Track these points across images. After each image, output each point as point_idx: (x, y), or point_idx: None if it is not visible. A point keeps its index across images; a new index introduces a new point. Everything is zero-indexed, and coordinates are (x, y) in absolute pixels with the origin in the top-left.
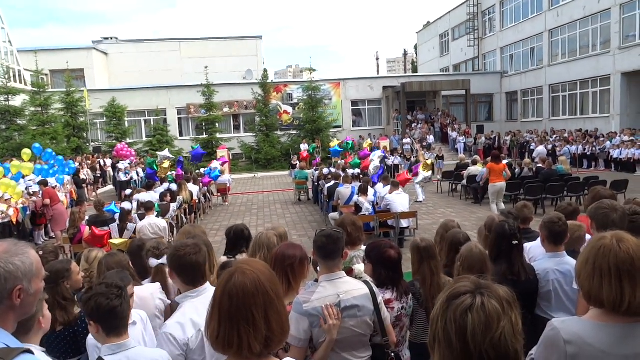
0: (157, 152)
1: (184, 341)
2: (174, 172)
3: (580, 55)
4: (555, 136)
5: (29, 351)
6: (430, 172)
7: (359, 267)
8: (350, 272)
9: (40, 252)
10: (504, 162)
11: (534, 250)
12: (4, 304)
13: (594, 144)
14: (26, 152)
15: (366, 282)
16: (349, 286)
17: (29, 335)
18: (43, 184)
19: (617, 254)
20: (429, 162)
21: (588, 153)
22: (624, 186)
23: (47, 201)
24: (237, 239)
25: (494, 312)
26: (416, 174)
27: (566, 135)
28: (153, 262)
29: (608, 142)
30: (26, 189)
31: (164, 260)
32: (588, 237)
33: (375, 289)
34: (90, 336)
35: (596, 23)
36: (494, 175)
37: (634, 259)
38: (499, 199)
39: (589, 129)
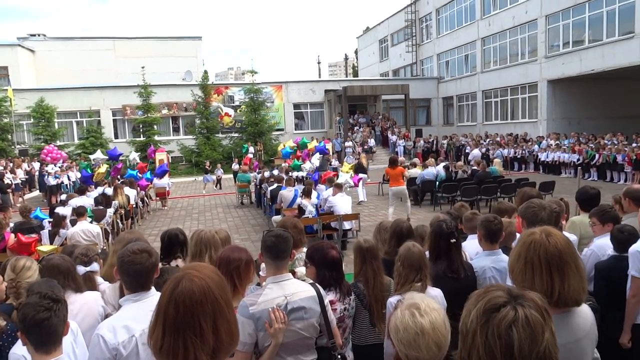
0: (90, 156)
1: (113, 345)
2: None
3: (510, 62)
4: (488, 140)
5: None
6: (350, 175)
7: (302, 270)
8: (292, 274)
9: None
10: (442, 164)
11: (467, 248)
12: None
13: (524, 147)
14: None
15: (312, 284)
16: (296, 288)
17: None
18: None
19: (546, 248)
20: (349, 166)
21: (518, 156)
22: (551, 187)
23: None
24: (172, 243)
25: (538, 324)
26: (358, 180)
27: (498, 139)
28: (81, 269)
29: (536, 146)
30: None
31: (92, 267)
32: (519, 235)
33: (322, 291)
34: (13, 349)
35: (524, 32)
36: (392, 179)
37: (561, 252)
38: (403, 201)
39: (519, 133)
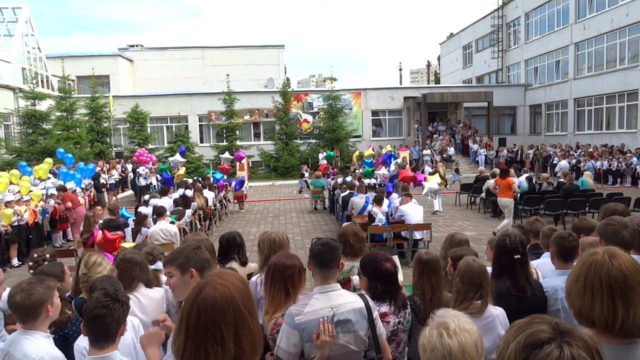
0: (169, 158)
1: None
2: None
3: (607, 69)
4: (579, 151)
5: None
6: (440, 187)
7: (357, 279)
8: (348, 282)
9: (36, 255)
10: (525, 175)
11: (542, 267)
12: None
13: (620, 159)
14: (48, 161)
15: (361, 296)
16: (343, 299)
17: (36, 322)
18: (61, 189)
19: (609, 270)
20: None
21: (613, 169)
22: None
23: (69, 204)
24: (229, 245)
25: None
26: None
27: (591, 149)
28: None
29: (635, 158)
30: (46, 191)
31: (157, 265)
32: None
33: (370, 302)
34: (78, 341)
35: (624, 37)
36: (500, 190)
37: (626, 275)
38: (506, 216)
39: (615, 144)
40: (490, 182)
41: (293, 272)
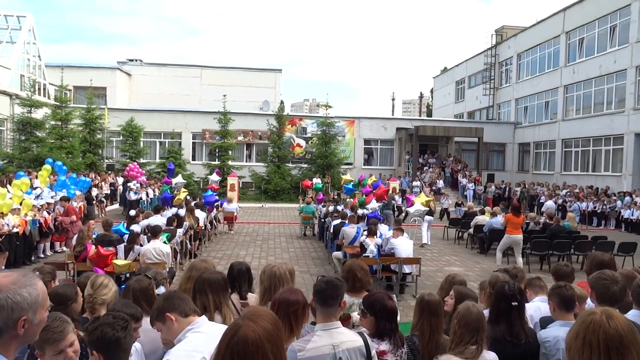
0: (173, 179)
1: None
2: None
3: (595, 112)
4: (565, 191)
5: None
6: (426, 208)
7: (357, 316)
8: (347, 319)
9: (36, 273)
10: None
11: (536, 311)
12: (9, 333)
13: (605, 202)
14: (47, 168)
15: (360, 334)
16: (344, 337)
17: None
18: (65, 200)
19: (606, 330)
20: (428, 200)
21: (598, 211)
22: (632, 249)
23: (74, 218)
24: (228, 278)
25: None
26: (411, 204)
27: (577, 190)
28: None
29: (619, 202)
30: (39, 201)
31: (159, 290)
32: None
33: (369, 340)
34: None
35: (612, 82)
36: (512, 227)
37: (622, 336)
38: (516, 252)
39: (600, 186)
40: (480, 219)
41: (297, 308)
